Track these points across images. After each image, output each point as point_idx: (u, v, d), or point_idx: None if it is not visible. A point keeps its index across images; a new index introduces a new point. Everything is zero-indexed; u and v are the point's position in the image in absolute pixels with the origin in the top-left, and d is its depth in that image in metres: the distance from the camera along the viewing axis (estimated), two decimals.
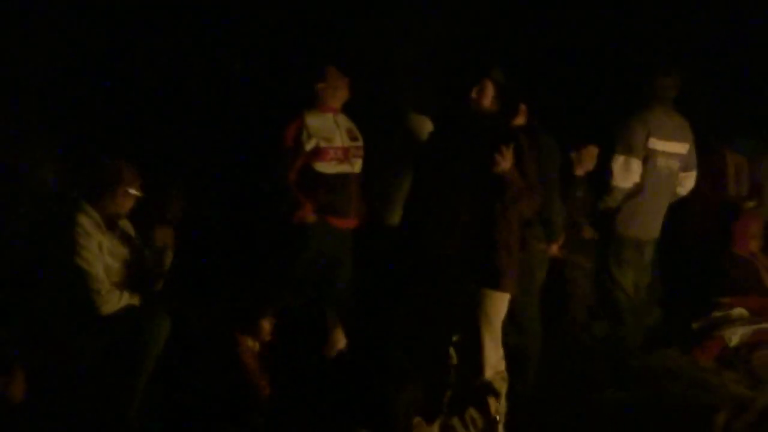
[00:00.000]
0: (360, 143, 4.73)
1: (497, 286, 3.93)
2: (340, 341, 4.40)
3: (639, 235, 4.87)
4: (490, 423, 3.54)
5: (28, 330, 3.99)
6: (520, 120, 4.59)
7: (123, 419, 3.85)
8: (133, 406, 3.87)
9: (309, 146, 4.55)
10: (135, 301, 4.00)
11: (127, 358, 3.87)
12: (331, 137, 4.60)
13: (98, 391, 3.88)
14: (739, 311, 5.60)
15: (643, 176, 4.81)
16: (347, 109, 4.76)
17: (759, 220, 6.08)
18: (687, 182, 5.12)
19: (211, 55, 5.48)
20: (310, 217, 4.53)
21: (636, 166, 4.78)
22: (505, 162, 3.80)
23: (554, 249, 4.82)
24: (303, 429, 3.88)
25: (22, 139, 4.75)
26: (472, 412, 3.54)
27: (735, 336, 5.40)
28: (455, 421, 3.49)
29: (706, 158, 5.82)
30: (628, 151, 4.75)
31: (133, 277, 4.11)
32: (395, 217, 4.72)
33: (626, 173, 4.77)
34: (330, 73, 4.62)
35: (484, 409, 3.57)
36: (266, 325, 4.15)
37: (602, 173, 4.86)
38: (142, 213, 4.22)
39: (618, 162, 4.77)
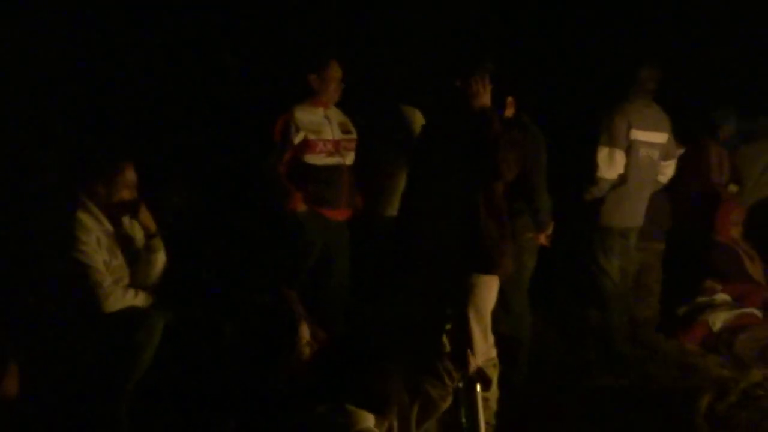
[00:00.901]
0: (353, 136, 4.77)
1: (484, 270, 4.00)
2: (306, 334, 4.48)
3: (624, 224, 4.97)
4: (467, 376, 3.59)
5: (25, 326, 3.99)
6: (508, 112, 4.65)
7: (113, 416, 3.86)
8: (123, 404, 3.87)
9: (297, 140, 4.59)
10: (139, 301, 3.97)
11: (119, 358, 3.85)
12: (321, 130, 4.64)
13: (89, 388, 3.87)
14: (722, 297, 5.72)
15: (626, 166, 4.91)
16: (341, 103, 4.80)
17: (740, 207, 6.19)
18: (667, 171, 5.21)
19: (205, 50, 5.52)
20: (301, 206, 4.58)
21: (620, 157, 4.86)
22: (485, 94, 3.94)
23: (543, 238, 4.92)
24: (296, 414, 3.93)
25: (25, 136, 4.78)
26: (448, 365, 3.59)
27: (718, 321, 5.52)
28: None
29: (690, 149, 5.95)
30: (612, 143, 4.84)
31: (133, 276, 4.07)
32: (392, 208, 4.81)
33: (610, 164, 4.86)
34: (331, 66, 4.65)
35: (461, 362, 3.63)
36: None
37: (587, 165, 4.94)
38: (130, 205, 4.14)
39: (602, 153, 4.85)
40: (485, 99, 4.00)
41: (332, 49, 4.93)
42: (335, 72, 4.65)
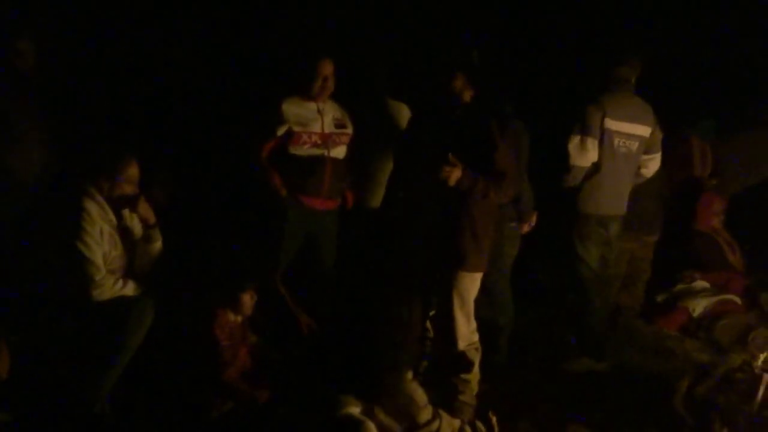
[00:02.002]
0: (347, 131, 4.82)
1: (463, 267, 4.06)
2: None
3: (600, 212, 5.02)
4: None
5: (20, 309, 4.12)
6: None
7: (96, 399, 3.95)
8: (106, 388, 3.97)
9: (280, 131, 4.65)
10: (129, 291, 4.08)
11: (107, 344, 3.95)
12: (309, 123, 4.69)
13: (78, 371, 3.97)
14: (701, 283, 5.82)
15: (600, 155, 4.97)
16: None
17: (721, 198, 6.29)
18: (651, 164, 5.27)
19: (197, 42, 5.59)
20: (282, 190, 4.63)
21: (591, 145, 4.91)
22: (454, 173, 3.90)
23: (525, 227, 5.00)
24: (288, 399, 3.99)
25: (27, 127, 4.82)
26: (479, 424, 3.75)
27: (698, 307, 5.62)
28: (466, 428, 3.71)
29: (673, 142, 6.02)
30: (584, 132, 4.89)
31: (129, 266, 4.20)
32: (376, 201, 4.87)
33: (582, 152, 4.91)
34: (320, 63, 4.70)
35: (488, 424, 3.79)
36: (247, 299, 4.25)
37: (561, 153, 5.00)
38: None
39: (574, 141, 4.90)
40: (468, 95, 4.07)
41: (323, 45, 4.97)
42: (324, 69, 4.69)
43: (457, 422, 3.66)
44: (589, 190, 4.97)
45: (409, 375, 3.65)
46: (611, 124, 4.92)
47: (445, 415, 3.62)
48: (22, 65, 4.84)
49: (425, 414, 3.53)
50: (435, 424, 3.53)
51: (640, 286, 5.82)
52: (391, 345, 3.52)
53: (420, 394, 3.57)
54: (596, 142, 4.90)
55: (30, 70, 4.87)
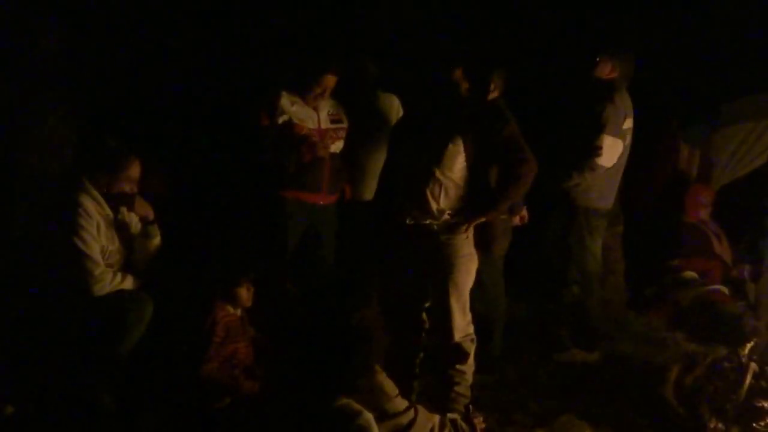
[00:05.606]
0: (342, 125, 4.86)
1: (485, 247, 4.13)
2: None
3: (607, 206, 5.15)
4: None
5: (16, 305, 4.15)
6: (494, 94, 4.75)
7: (97, 393, 3.99)
8: (107, 382, 4.01)
9: (281, 120, 4.68)
10: (127, 285, 4.12)
11: (107, 339, 3.99)
12: (305, 119, 4.74)
13: (76, 367, 4.01)
14: (690, 274, 5.89)
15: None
16: None
17: (709, 190, 6.37)
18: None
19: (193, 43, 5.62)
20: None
21: (620, 146, 4.99)
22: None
23: (515, 220, 5.06)
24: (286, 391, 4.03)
25: (27, 123, 4.84)
26: (461, 423, 3.81)
27: (687, 298, 5.70)
28: (448, 424, 3.76)
29: (662, 139, 6.11)
30: (616, 133, 4.93)
31: (126, 261, 4.25)
32: (369, 192, 4.91)
33: (613, 153, 4.96)
34: (328, 78, 4.73)
35: (470, 422, 3.85)
36: (243, 292, 4.26)
37: (585, 151, 4.99)
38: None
39: (607, 143, 4.91)
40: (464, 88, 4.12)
41: (331, 55, 4.98)
42: (328, 82, 4.73)
43: (436, 417, 3.69)
44: (600, 186, 5.04)
45: (378, 367, 3.66)
46: (628, 123, 5.01)
47: (422, 409, 3.64)
48: (51, 65, 4.88)
49: (395, 404, 3.56)
50: (408, 415, 3.57)
51: (619, 277, 5.90)
52: (363, 337, 3.51)
53: (389, 385, 3.60)
54: (623, 143, 4.98)
55: (55, 69, 4.91)
